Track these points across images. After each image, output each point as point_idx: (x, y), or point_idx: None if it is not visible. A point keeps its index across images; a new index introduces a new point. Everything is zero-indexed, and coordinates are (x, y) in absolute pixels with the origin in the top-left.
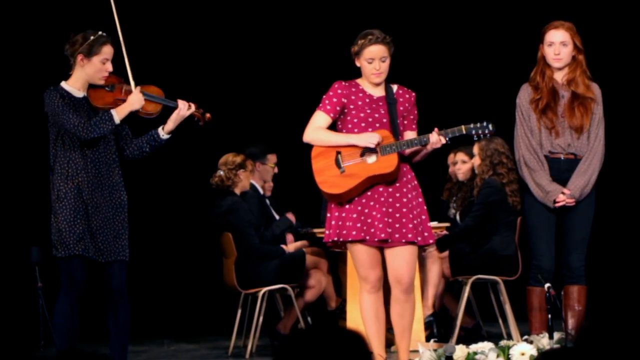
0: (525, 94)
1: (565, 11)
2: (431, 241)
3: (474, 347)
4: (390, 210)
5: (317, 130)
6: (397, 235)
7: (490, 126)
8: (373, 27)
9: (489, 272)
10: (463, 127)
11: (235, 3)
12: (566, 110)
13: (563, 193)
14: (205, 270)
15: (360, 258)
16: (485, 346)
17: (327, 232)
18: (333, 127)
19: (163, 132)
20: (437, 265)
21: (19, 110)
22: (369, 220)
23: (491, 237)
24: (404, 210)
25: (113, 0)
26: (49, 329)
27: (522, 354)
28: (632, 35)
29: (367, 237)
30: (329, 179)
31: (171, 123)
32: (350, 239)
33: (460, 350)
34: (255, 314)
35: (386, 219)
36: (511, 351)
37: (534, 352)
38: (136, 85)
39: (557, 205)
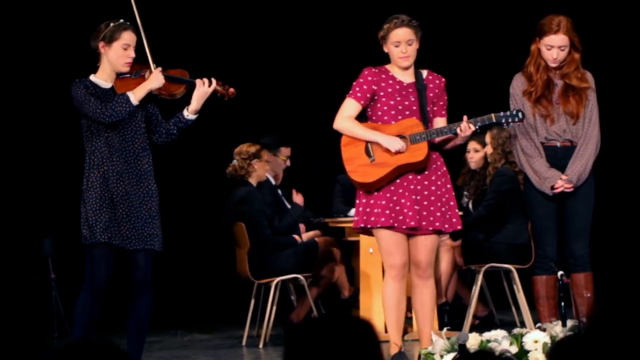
0: (518, 83)
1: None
2: (459, 227)
3: (487, 335)
4: (419, 198)
5: (348, 120)
6: (424, 223)
7: (520, 114)
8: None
9: (502, 260)
10: (493, 115)
11: None
12: (560, 97)
13: (561, 179)
14: (219, 261)
15: (386, 244)
16: (498, 334)
17: (356, 218)
18: (363, 113)
19: (188, 112)
20: (449, 253)
21: (29, 106)
22: (398, 208)
23: (504, 226)
24: (432, 198)
25: None
26: (62, 320)
27: (536, 342)
28: (628, 25)
29: (396, 224)
30: (359, 167)
31: (194, 102)
32: (379, 225)
33: (474, 339)
34: (268, 304)
35: (415, 207)
36: (524, 339)
37: (547, 340)
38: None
39: (555, 191)
